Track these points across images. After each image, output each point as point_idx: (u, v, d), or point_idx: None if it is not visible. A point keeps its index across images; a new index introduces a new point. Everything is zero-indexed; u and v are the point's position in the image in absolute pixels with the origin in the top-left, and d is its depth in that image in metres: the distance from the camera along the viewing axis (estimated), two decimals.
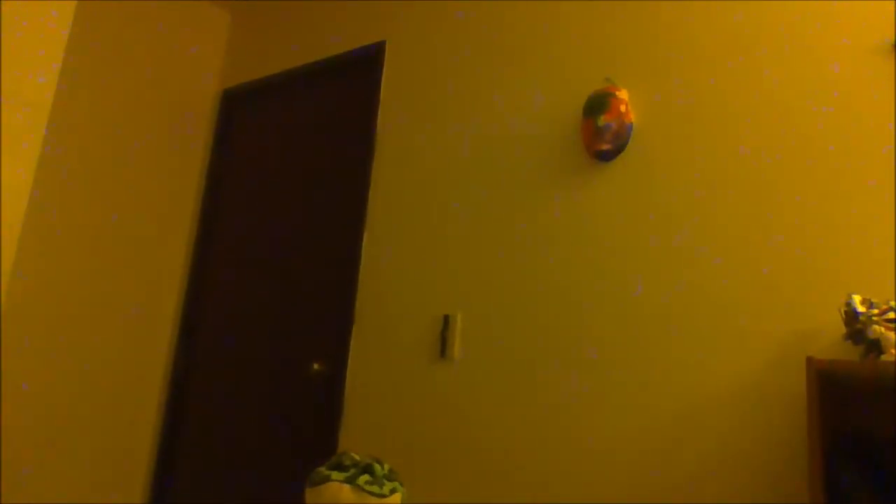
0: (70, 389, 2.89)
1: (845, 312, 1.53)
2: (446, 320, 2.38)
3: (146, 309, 3.16)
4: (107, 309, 3.02)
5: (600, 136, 2.16)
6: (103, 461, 2.96)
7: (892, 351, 1.44)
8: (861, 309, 1.50)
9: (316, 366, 2.69)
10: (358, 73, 2.98)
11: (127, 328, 3.09)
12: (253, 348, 2.97)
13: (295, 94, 3.23)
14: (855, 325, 1.50)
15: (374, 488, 1.40)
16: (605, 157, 2.17)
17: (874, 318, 1.47)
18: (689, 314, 1.94)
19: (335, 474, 1.43)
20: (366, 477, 1.41)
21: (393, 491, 1.42)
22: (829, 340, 1.70)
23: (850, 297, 1.53)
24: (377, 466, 1.46)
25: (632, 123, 2.16)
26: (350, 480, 1.40)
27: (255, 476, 2.78)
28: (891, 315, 1.46)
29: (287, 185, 3.11)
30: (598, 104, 2.18)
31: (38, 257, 2.82)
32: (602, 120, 2.15)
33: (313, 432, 2.66)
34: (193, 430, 3.06)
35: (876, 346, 1.46)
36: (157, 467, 3.08)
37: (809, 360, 1.41)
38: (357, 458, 1.47)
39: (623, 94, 2.16)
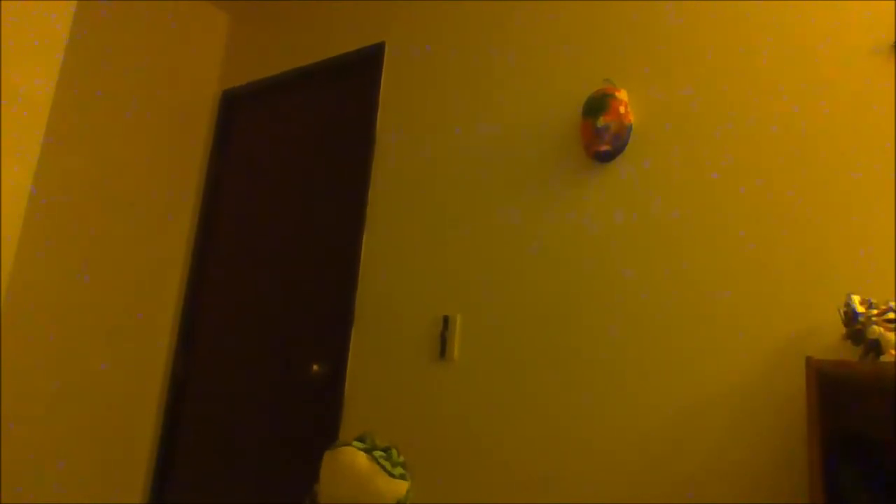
0: (70, 390, 2.89)
1: (844, 313, 1.53)
2: (446, 321, 2.38)
3: (146, 309, 3.16)
4: (107, 309, 3.02)
5: (599, 137, 2.16)
6: (103, 462, 2.96)
7: (892, 351, 1.44)
8: (860, 309, 1.50)
9: (316, 366, 2.69)
10: (357, 75, 2.99)
11: (127, 328, 3.09)
12: (253, 348, 2.97)
13: (294, 95, 3.23)
14: (854, 326, 1.50)
15: (387, 464, 1.49)
16: (605, 157, 2.17)
17: (873, 319, 1.47)
18: (689, 314, 1.94)
19: (356, 443, 1.54)
20: (382, 453, 1.51)
21: (402, 476, 1.50)
22: (828, 341, 1.70)
23: (850, 298, 1.53)
24: (395, 451, 1.56)
25: (631, 124, 2.16)
26: (367, 451, 1.50)
27: (255, 476, 2.78)
28: (890, 315, 1.46)
29: (287, 185, 3.11)
30: (598, 105, 2.18)
31: (38, 257, 2.82)
32: (601, 121, 2.15)
33: (313, 433, 2.66)
34: (193, 431, 3.06)
35: (875, 347, 1.46)
36: (157, 467, 3.08)
37: (809, 361, 1.40)
38: (378, 441, 1.58)
39: (622, 95, 2.16)
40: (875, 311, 1.48)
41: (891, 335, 1.44)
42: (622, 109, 2.14)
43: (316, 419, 2.66)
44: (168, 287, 3.26)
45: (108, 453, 2.98)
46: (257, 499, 2.74)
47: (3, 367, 2.70)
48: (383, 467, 1.47)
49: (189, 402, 3.12)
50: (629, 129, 2.15)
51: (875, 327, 1.46)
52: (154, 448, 3.11)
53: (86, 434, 2.92)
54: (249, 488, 2.78)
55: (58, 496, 2.81)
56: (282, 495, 2.67)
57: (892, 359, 1.43)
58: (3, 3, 2.32)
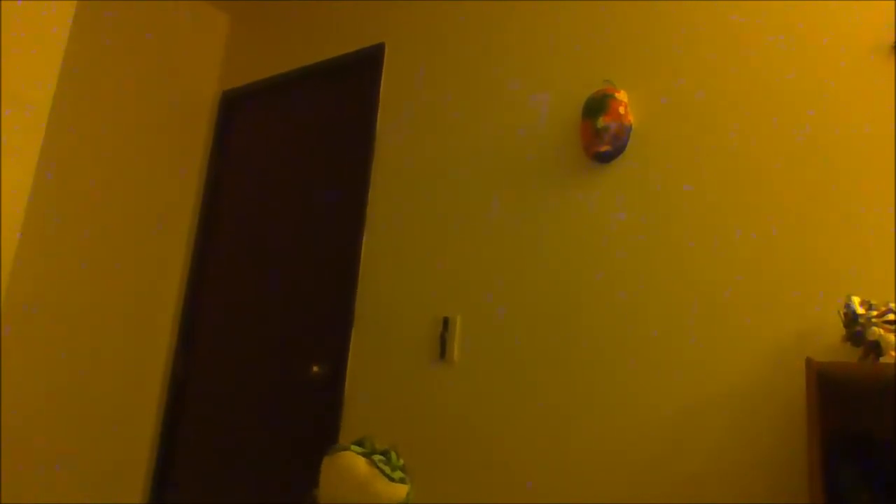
0: (70, 390, 2.89)
1: (844, 314, 1.53)
2: (445, 322, 2.38)
3: (146, 310, 3.16)
4: (107, 309, 3.02)
5: (599, 138, 2.16)
6: (103, 462, 2.96)
7: (892, 353, 1.44)
8: (860, 311, 1.50)
9: (316, 367, 2.69)
10: (357, 75, 2.99)
11: (127, 329, 3.09)
12: (253, 349, 2.97)
13: (294, 95, 3.23)
14: (854, 327, 1.50)
15: (386, 468, 1.49)
16: (604, 158, 2.17)
17: (873, 320, 1.47)
18: (689, 315, 1.94)
19: (354, 447, 1.55)
20: (381, 457, 1.51)
21: (402, 480, 1.49)
22: (828, 342, 1.70)
23: (850, 299, 1.53)
24: (394, 455, 1.57)
25: (631, 125, 2.16)
26: (367, 455, 1.50)
27: (255, 477, 2.78)
28: (890, 317, 1.46)
29: (287, 186, 3.11)
30: (597, 106, 2.18)
31: (38, 257, 2.82)
32: (601, 121, 2.15)
33: (313, 434, 2.66)
34: (193, 431, 3.06)
35: (875, 348, 1.46)
36: (157, 468, 3.08)
37: (809, 362, 1.40)
38: (377, 445, 1.59)
39: (622, 96, 2.16)
40: (875, 313, 1.48)
41: (891, 336, 1.44)
42: (622, 110, 2.14)
43: (316, 420, 2.66)
44: (168, 287, 3.26)
45: (108, 453, 2.98)
46: (257, 499, 2.74)
47: (3, 367, 2.70)
48: (382, 471, 1.47)
49: (189, 402, 3.12)
50: (629, 129, 2.15)
51: (875, 329, 1.46)
52: (154, 448, 3.11)
53: (86, 434, 2.92)
54: (249, 488, 2.78)
55: (58, 496, 2.81)
56: (282, 496, 2.67)
57: (892, 360, 1.43)
58: (3, 3, 2.31)
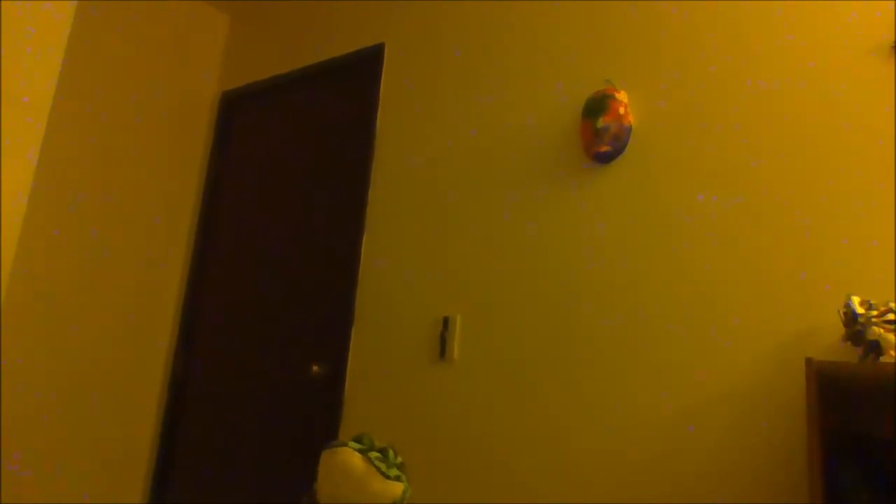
0: (70, 390, 2.89)
1: (844, 314, 1.53)
2: (445, 322, 2.38)
3: (146, 310, 3.16)
4: (107, 309, 3.02)
5: (599, 138, 2.16)
6: (103, 461, 2.96)
7: (892, 352, 1.44)
8: (860, 310, 1.50)
9: (315, 367, 2.69)
10: (357, 76, 2.99)
11: (127, 329, 3.09)
12: (253, 349, 2.97)
13: (294, 96, 3.23)
14: (854, 327, 1.50)
15: (382, 466, 1.50)
16: (604, 158, 2.17)
17: (873, 320, 1.47)
18: (689, 314, 1.94)
19: (352, 443, 1.55)
20: (378, 455, 1.52)
21: (397, 478, 1.50)
22: (828, 341, 1.70)
23: (849, 299, 1.53)
24: (391, 453, 1.57)
25: (631, 125, 2.16)
26: (363, 452, 1.51)
27: (255, 477, 2.78)
28: (890, 316, 1.46)
29: (286, 186, 3.11)
30: (597, 106, 2.18)
31: (38, 257, 2.82)
32: (601, 122, 2.15)
33: (313, 433, 2.66)
34: (193, 432, 3.06)
35: (875, 348, 1.46)
36: (157, 467, 3.08)
37: (809, 361, 1.40)
38: (376, 442, 1.59)
39: (622, 96, 2.16)
40: (875, 313, 1.48)
41: (890, 336, 1.44)
42: (622, 110, 2.14)
43: (316, 419, 2.66)
44: (168, 287, 3.26)
45: (108, 453, 2.99)
46: (257, 499, 2.74)
47: (3, 367, 2.70)
48: (378, 469, 1.47)
49: (189, 402, 3.12)
50: (629, 130, 2.15)
51: (875, 328, 1.46)
52: (154, 448, 3.11)
53: (86, 434, 2.92)
54: (249, 488, 2.79)
55: (58, 496, 2.81)
56: (282, 495, 2.67)
57: (892, 359, 1.43)
58: (3, 3, 2.32)
